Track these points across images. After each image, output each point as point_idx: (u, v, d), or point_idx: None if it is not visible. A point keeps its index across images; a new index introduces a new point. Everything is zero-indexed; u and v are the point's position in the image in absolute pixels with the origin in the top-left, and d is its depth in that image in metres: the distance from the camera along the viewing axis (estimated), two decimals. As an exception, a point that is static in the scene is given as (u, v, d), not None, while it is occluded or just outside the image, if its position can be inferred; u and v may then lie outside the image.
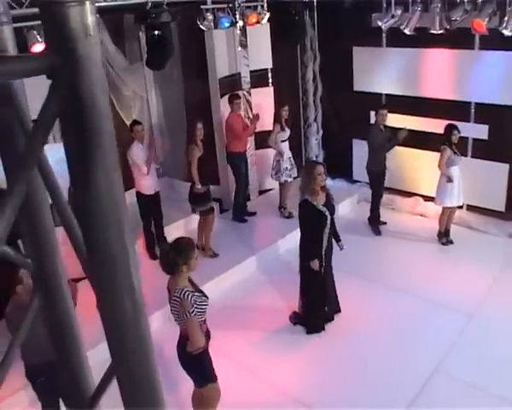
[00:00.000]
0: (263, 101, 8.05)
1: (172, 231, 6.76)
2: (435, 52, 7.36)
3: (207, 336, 3.80)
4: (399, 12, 7.11)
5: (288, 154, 7.56)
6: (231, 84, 7.74)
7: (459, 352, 5.03)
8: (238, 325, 5.66)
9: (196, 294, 3.64)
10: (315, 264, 5.19)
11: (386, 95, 7.94)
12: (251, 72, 7.92)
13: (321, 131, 9.01)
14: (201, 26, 6.89)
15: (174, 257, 3.56)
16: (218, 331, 5.12)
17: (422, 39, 7.19)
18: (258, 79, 8.05)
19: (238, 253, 6.82)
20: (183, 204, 7.18)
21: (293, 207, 7.80)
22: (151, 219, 6.75)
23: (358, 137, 8.50)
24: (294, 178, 7.69)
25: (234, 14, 7.27)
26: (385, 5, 7.27)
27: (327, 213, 5.12)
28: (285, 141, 7.49)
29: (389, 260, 6.83)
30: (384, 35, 7.73)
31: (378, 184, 7.35)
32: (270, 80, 8.24)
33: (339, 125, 8.79)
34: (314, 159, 8.93)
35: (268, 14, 7.55)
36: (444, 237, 7.02)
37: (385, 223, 7.60)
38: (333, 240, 5.35)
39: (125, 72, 7.71)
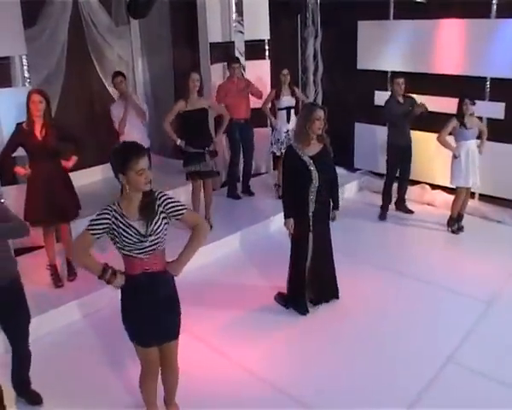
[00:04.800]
0: (258, 74, 7.41)
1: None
2: (446, 23, 6.71)
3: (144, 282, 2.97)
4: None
5: (283, 125, 6.79)
6: (224, 53, 7.12)
7: (474, 341, 4.25)
8: (216, 303, 4.91)
9: (126, 220, 2.85)
10: (288, 223, 4.51)
11: (393, 72, 7.28)
12: (246, 42, 7.32)
13: (320, 115, 8.33)
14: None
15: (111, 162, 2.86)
16: (193, 309, 4.53)
17: (432, 9, 6.61)
18: (254, 50, 7.43)
19: (224, 229, 6.09)
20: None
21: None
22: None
23: (361, 120, 7.88)
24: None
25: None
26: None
27: (311, 168, 4.35)
28: (283, 109, 6.76)
29: (396, 247, 6.12)
30: (392, 5, 7.13)
31: (397, 160, 6.57)
32: (267, 53, 7.63)
33: (340, 107, 8.12)
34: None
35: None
36: (455, 223, 6.28)
37: (412, 211, 6.84)
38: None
39: (109, 34, 7.14)
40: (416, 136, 6.92)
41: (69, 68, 6.75)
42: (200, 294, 5.04)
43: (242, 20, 7.15)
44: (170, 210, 2.94)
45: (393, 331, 4.41)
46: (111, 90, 7.28)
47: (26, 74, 5.46)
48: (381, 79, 7.43)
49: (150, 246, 2.89)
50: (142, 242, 2.86)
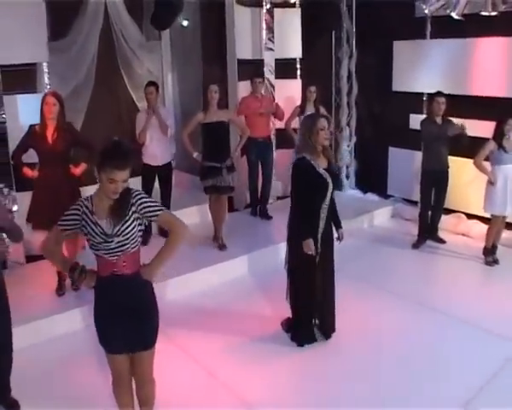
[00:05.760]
0: (288, 93, 7.23)
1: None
2: (486, 41, 6.31)
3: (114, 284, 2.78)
4: (446, -7, 6.21)
5: None
6: (253, 70, 6.97)
7: (497, 388, 3.72)
8: (218, 325, 4.61)
9: (94, 218, 2.67)
10: (309, 244, 3.98)
11: (429, 95, 6.92)
12: (277, 60, 7.16)
13: (354, 138, 8.02)
14: (219, -6, 6.23)
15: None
16: (192, 327, 4.50)
17: (471, 27, 6.21)
18: (285, 68, 7.27)
19: (236, 249, 5.82)
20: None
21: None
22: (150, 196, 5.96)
23: (396, 144, 7.51)
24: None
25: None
26: (432, -11, 6.39)
27: (329, 180, 4.01)
28: None
29: (423, 277, 5.66)
30: (429, 24, 6.80)
31: (430, 186, 6.11)
32: (299, 72, 7.44)
33: (374, 131, 7.79)
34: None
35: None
36: (490, 254, 5.77)
37: (444, 241, 6.39)
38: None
39: (140, 48, 7.17)
40: (453, 162, 6.48)
41: (98, 81, 6.79)
42: (203, 313, 4.83)
43: (273, 37, 7.02)
44: (144, 210, 2.73)
45: (406, 368, 3.94)
46: (139, 104, 7.32)
47: (47, 81, 5.50)
48: (417, 101, 7.07)
49: (117, 247, 2.69)
50: (107, 242, 2.67)
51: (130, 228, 2.69)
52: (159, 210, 2.77)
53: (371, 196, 7.77)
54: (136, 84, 7.25)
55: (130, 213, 2.70)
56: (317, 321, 4.33)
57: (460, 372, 3.89)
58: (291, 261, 4.26)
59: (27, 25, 5.28)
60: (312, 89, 6.46)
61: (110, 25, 6.86)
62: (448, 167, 6.12)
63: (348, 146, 8.04)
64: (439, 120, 6.00)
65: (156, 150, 5.86)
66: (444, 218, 6.64)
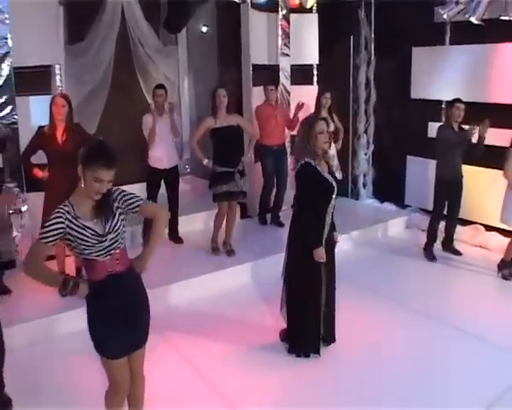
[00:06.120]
0: (304, 100, 7.11)
1: (190, 224, 5.88)
2: (507, 47, 6.11)
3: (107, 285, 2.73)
4: (466, -2, 6.05)
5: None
6: (268, 76, 6.93)
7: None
8: (217, 331, 4.53)
9: (81, 221, 2.60)
10: (319, 253, 3.84)
11: (448, 102, 6.75)
12: (292, 66, 7.10)
13: (372, 146, 7.88)
14: (234, -2, 6.22)
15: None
16: (191, 332, 4.46)
17: (492, 32, 6.05)
18: (301, 74, 7.21)
19: (243, 256, 5.76)
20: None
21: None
22: (155, 201, 5.94)
23: (413, 153, 7.34)
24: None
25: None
26: (450, -6, 6.24)
27: (334, 185, 3.90)
28: None
29: (435, 289, 5.41)
30: (448, 30, 6.65)
31: (444, 195, 5.93)
32: (316, 78, 7.37)
33: (392, 139, 7.64)
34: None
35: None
36: (506, 267, 5.55)
37: (460, 253, 6.17)
38: None
39: (156, 53, 7.21)
40: (472, 171, 6.30)
41: (114, 84, 6.86)
42: (203, 318, 4.78)
43: (289, 42, 6.96)
44: (126, 204, 2.73)
45: (413, 383, 3.77)
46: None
47: (59, 83, 5.58)
48: (436, 109, 6.91)
49: (110, 245, 2.66)
50: (101, 242, 2.63)
51: (118, 224, 2.69)
52: (140, 200, 2.78)
53: (388, 206, 7.61)
54: (151, 88, 7.26)
55: (114, 209, 2.69)
56: (322, 331, 4.20)
57: (469, 387, 3.70)
58: (291, 271, 4.10)
59: (42, 28, 5.37)
60: (327, 95, 6.34)
61: (127, 29, 6.93)
62: (462, 177, 5.94)
63: (366, 154, 7.89)
64: (456, 127, 5.82)
65: (163, 153, 5.83)
66: (461, 229, 6.45)
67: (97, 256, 2.66)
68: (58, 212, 2.61)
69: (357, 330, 4.47)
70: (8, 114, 5.16)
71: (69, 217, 2.60)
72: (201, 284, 5.20)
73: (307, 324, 4.11)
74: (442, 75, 6.78)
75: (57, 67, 5.58)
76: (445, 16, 6.25)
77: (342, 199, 7.96)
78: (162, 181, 5.95)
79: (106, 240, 2.64)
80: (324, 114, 6.43)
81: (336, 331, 4.25)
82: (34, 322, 4.37)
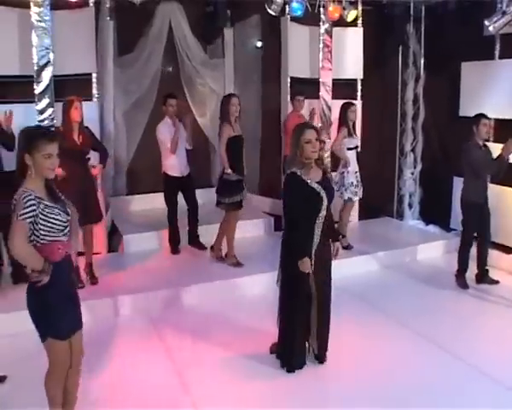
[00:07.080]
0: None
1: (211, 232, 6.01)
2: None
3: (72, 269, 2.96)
4: (512, 8, 5.63)
5: (354, 166, 6.21)
6: (308, 89, 6.90)
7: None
8: (215, 336, 4.53)
9: (46, 202, 2.73)
10: (305, 264, 3.73)
11: (496, 120, 6.31)
12: (335, 80, 7.01)
13: (419, 165, 7.53)
14: (269, 10, 6.25)
15: (19, 146, 2.84)
16: (186, 338, 4.48)
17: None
18: (344, 89, 7.08)
19: (254, 267, 5.73)
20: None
21: (356, 237, 6.53)
22: (176, 208, 6.14)
23: (461, 174, 6.88)
24: (360, 199, 6.43)
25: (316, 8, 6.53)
26: (499, 5, 5.84)
27: (322, 194, 3.76)
28: (352, 149, 6.19)
29: (462, 321, 4.90)
30: (498, 43, 6.23)
31: (473, 220, 5.47)
32: (360, 93, 7.21)
33: (439, 159, 7.25)
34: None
35: (355, 12, 6.63)
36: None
37: (497, 282, 5.67)
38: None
39: (203, 66, 7.44)
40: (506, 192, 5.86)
41: (160, 96, 7.14)
42: (203, 322, 4.81)
43: (331, 56, 6.89)
44: None
45: None
46: (200, 119, 7.59)
47: (94, 91, 5.98)
48: (485, 127, 6.47)
49: (68, 224, 2.85)
50: (68, 220, 2.83)
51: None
52: None
53: (432, 229, 7.21)
54: (197, 100, 7.54)
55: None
56: (313, 349, 4.08)
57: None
58: (282, 281, 4.02)
59: (80, 41, 5.78)
60: (353, 108, 6.16)
61: (174, 42, 7.22)
62: (487, 199, 5.51)
63: (412, 173, 7.55)
64: (481, 143, 5.41)
65: (181, 161, 6.02)
66: (500, 255, 5.96)
67: (63, 235, 2.79)
68: (26, 194, 2.66)
69: (351, 354, 4.24)
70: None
71: (36, 200, 2.69)
72: (208, 290, 5.25)
73: (292, 337, 4.00)
74: (491, 91, 6.35)
75: (94, 75, 5.96)
76: (491, 28, 5.85)
77: (386, 219, 7.72)
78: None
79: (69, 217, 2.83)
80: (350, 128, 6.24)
81: (334, 352, 4.09)
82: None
